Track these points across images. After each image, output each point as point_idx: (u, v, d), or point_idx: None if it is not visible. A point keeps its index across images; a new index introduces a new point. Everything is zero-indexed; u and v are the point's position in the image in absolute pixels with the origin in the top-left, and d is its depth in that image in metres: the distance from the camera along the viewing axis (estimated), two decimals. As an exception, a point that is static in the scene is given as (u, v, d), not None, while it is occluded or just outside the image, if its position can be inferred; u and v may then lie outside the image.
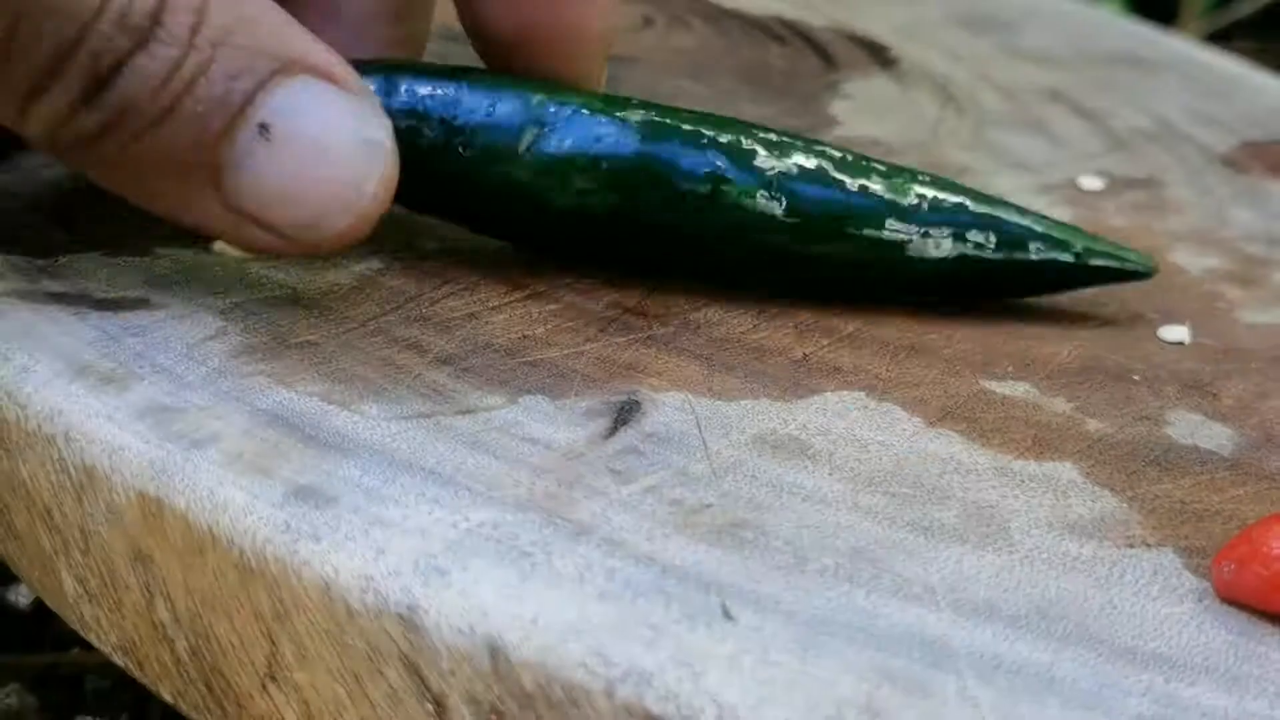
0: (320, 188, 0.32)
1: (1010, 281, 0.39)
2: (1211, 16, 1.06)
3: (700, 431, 0.32)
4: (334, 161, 0.32)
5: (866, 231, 0.37)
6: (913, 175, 0.37)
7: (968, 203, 0.38)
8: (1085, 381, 0.36)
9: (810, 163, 0.36)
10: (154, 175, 0.32)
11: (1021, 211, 0.38)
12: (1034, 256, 0.38)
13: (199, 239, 0.36)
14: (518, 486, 0.30)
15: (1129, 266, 0.39)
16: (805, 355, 0.36)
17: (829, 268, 0.37)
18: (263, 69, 0.31)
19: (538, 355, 0.34)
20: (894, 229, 0.37)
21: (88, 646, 0.38)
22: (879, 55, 0.58)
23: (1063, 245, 0.38)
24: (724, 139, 0.36)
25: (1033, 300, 0.40)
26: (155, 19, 0.30)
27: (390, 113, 0.33)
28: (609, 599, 0.27)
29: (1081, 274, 0.39)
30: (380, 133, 0.32)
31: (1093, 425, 0.35)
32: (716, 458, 0.32)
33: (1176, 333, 0.39)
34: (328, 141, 0.32)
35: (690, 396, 0.34)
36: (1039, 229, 0.38)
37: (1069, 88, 0.57)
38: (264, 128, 0.31)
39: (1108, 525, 0.31)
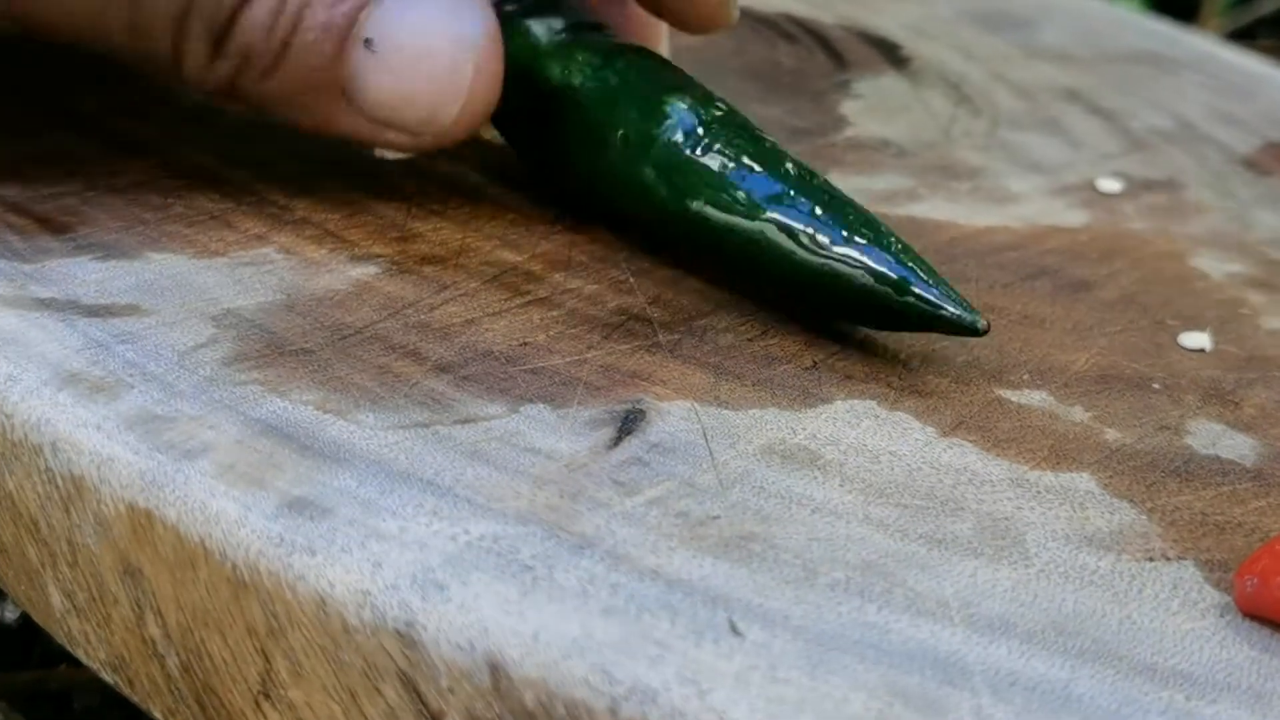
0: (426, 85, 0.37)
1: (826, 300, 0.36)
2: (1233, 14, 1.06)
3: (707, 441, 0.32)
4: (433, 60, 0.37)
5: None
6: (799, 167, 0.37)
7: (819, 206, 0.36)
8: (1103, 390, 0.36)
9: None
10: (293, 102, 0.37)
11: (874, 233, 0.36)
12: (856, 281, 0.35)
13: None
14: (519, 498, 0.30)
15: (953, 318, 0.35)
16: (815, 363, 0.36)
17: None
18: None
19: (539, 363, 0.34)
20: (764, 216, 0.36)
21: (76, 663, 0.38)
22: (890, 53, 0.58)
23: (888, 281, 0.35)
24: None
25: (1049, 307, 0.40)
26: None
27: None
28: (613, 614, 0.27)
29: (898, 317, 0.35)
30: (472, 27, 0.37)
31: (1111, 435, 0.35)
32: (723, 468, 0.32)
33: (1198, 340, 0.39)
34: (424, 43, 0.37)
35: (696, 405, 0.34)
36: (868, 258, 0.35)
37: (1086, 87, 0.57)
38: (369, 42, 0.36)
39: (1127, 538, 0.31)
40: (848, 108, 0.52)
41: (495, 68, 0.38)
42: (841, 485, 0.32)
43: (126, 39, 0.36)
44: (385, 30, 0.36)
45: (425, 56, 0.37)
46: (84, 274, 0.35)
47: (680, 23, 0.42)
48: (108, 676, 0.32)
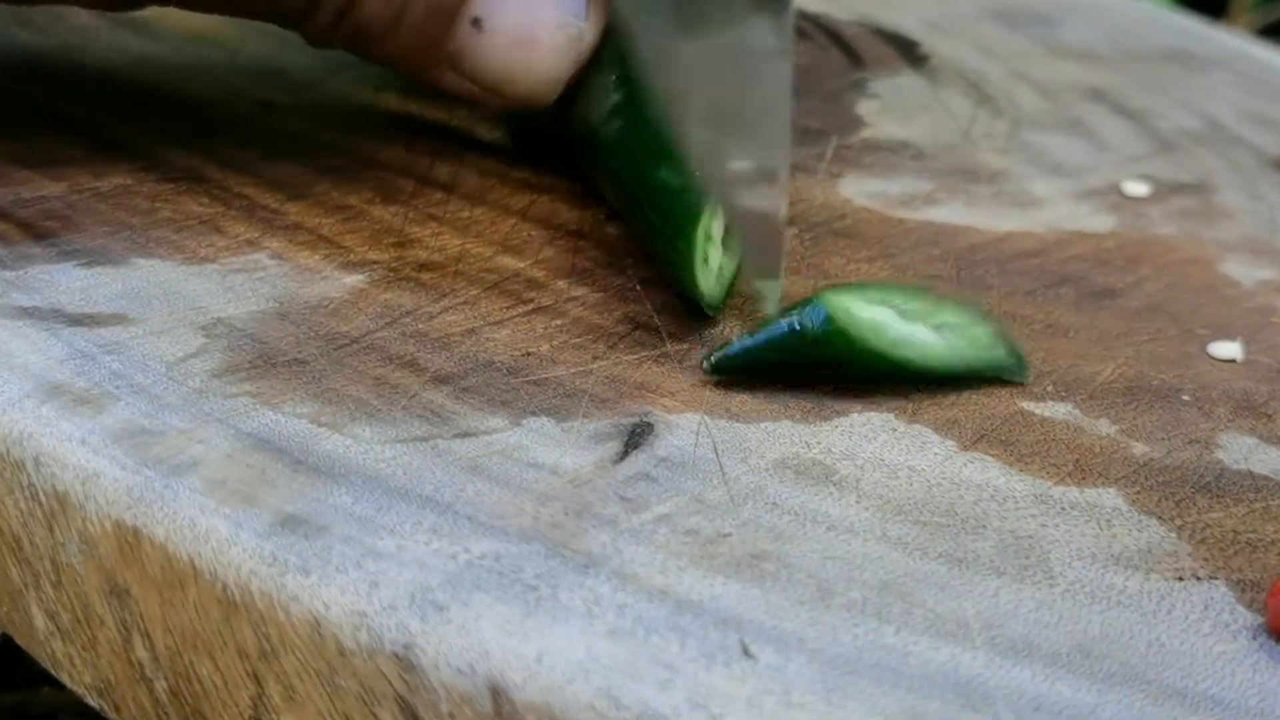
0: (528, 66, 0.40)
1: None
2: (1264, 10, 1.06)
3: (717, 456, 0.32)
4: (536, 44, 0.40)
5: None
6: None
7: None
8: (1131, 402, 0.36)
9: None
10: (401, 64, 0.41)
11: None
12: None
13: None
14: (521, 515, 0.30)
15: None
16: (830, 374, 0.36)
17: None
18: None
19: (543, 374, 0.34)
20: None
21: (60, 685, 0.38)
22: (908, 51, 0.58)
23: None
24: None
25: (1073, 315, 0.40)
26: None
27: None
28: (619, 636, 0.27)
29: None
30: (576, 14, 0.40)
31: (1139, 449, 0.35)
32: (735, 484, 0.32)
33: (1228, 349, 0.39)
34: (529, 27, 0.40)
35: (706, 418, 0.34)
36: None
37: (1112, 86, 0.57)
38: (477, 21, 0.40)
39: (1155, 556, 0.31)
40: (863, 108, 0.52)
41: (589, 55, 0.41)
42: (858, 501, 0.32)
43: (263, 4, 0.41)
44: (493, 10, 0.40)
45: (529, 40, 0.40)
46: (68, 281, 0.35)
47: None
48: (93, 701, 0.32)
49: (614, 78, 0.41)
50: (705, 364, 0.35)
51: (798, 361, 0.35)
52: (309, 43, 0.42)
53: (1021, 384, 0.36)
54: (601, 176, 0.41)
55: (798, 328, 0.34)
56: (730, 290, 0.38)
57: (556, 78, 0.41)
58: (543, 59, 0.41)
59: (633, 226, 0.40)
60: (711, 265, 0.37)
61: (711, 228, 0.37)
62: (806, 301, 0.35)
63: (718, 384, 0.35)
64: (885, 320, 0.35)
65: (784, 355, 0.34)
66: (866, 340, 0.34)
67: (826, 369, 0.35)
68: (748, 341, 0.35)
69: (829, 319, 0.34)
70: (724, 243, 0.38)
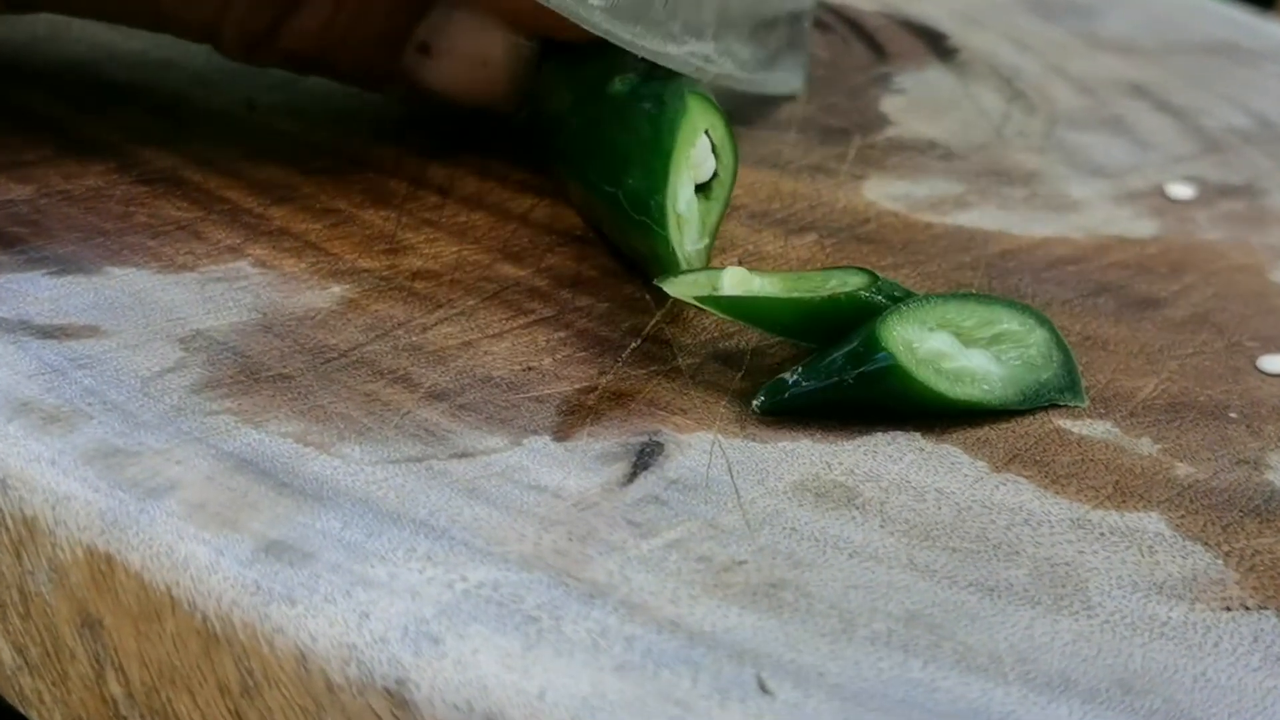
0: (477, 86, 0.43)
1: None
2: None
3: (732, 477, 0.32)
4: (486, 67, 0.42)
5: None
6: None
7: None
8: (1174, 420, 0.37)
9: None
10: (351, 83, 0.44)
11: None
12: None
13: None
14: (522, 541, 0.30)
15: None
16: (852, 390, 0.36)
17: None
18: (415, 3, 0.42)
19: (545, 390, 0.34)
20: None
21: (27, 724, 0.38)
22: (936, 44, 0.58)
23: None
24: None
25: (1113, 327, 0.40)
26: None
27: None
28: (628, 671, 0.27)
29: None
30: (517, 45, 0.42)
31: (1183, 470, 0.35)
32: (751, 508, 0.32)
33: (1279, 364, 0.39)
34: (479, 51, 0.42)
35: (720, 437, 0.34)
36: None
37: (1155, 81, 0.57)
38: (424, 47, 0.42)
39: (1200, 585, 0.31)
40: (889, 105, 0.53)
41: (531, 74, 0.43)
42: (882, 526, 0.32)
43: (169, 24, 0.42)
44: (440, 37, 0.42)
45: (481, 64, 0.42)
46: (36, 291, 0.36)
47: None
48: (63, 740, 0.33)
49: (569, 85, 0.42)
50: (756, 405, 0.35)
51: (855, 402, 0.35)
52: (237, 61, 0.43)
53: (1079, 404, 0.37)
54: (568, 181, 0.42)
55: (856, 369, 0.34)
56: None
57: (511, 92, 0.43)
58: (494, 80, 0.43)
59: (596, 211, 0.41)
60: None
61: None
62: (863, 332, 0.35)
63: (733, 402, 0.35)
64: (945, 349, 0.35)
65: (841, 395, 0.34)
66: (929, 383, 0.35)
67: (884, 408, 0.35)
68: (802, 384, 0.35)
69: (890, 360, 0.34)
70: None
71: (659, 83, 0.40)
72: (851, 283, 0.36)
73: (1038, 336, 0.36)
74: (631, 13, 0.40)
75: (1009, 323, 0.36)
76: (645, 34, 0.40)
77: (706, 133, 0.39)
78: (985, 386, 0.35)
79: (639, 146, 0.39)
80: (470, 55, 0.42)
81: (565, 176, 0.42)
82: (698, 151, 0.39)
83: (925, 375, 0.35)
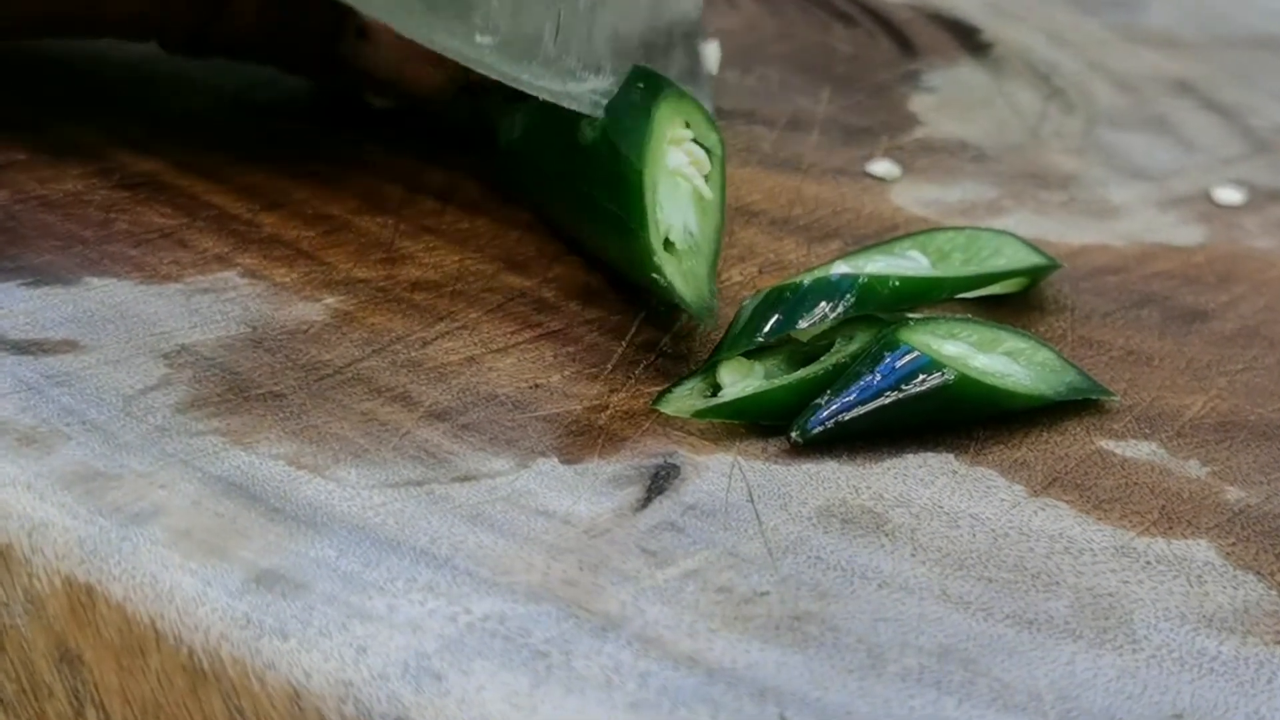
0: (410, 72, 0.45)
1: None
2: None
3: (753, 503, 0.32)
4: (420, 51, 0.43)
5: None
6: None
7: None
8: (1224, 440, 0.36)
9: None
10: (295, 71, 0.47)
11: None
12: None
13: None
14: (530, 571, 0.30)
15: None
16: (880, 408, 0.36)
17: None
18: None
19: (553, 408, 0.34)
20: None
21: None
22: (968, 39, 0.58)
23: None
24: None
25: (1158, 341, 0.40)
26: None
27: None
28: (642, 709, 0.27)
29: None
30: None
31: (1233, 494, 0.35)
32: (773, 535, 0.32)
33: (1336, 380, 0.39)
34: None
35: (740, 460, 0.34)
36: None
37: (1200, 77, 0.57)
38: (361, 30, 0.45)
39: (1253, 617, 0.31)
40: (917, 103, 0.53)
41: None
42: (913, 555, 0.32)
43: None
44: (378, 23, 0.43)
45: (414, 46, 0.41)
46: (11, 303, 0.36)
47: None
48: (40, 782, 0.33)
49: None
50: (795, 435, 0.34)
51: (900, 421, 0.35)
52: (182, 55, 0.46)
53: (1111, 398, 0.36)
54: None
55: (907, 383, 0.34)
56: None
57: (446, 79, 0.45)
58: (431, 63, 0.45)
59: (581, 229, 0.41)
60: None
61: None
62: (882, 343, 0.35)
63: (753, 420, 0.35)
64: (965, 354, 0.35)
65: (887, 415, 0.34)
66: (985, 380, 0.35)
67: (924, 425, 0.35)
68: (836, 404, 0.34)
69: (951, 373, 0.34)
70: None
71: (624, 114, 0.40)
72: (859, 339, 0.36)
73: (1045, 354, 0.37)
74: (523, 50, 0.40)
75: (1014, 341, 0.36)
76: (543, 74, 0.41)
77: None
78: (1024, 382, 0.35)
79: (620, 204, 0.38)
80: (405, 39, 0.43)
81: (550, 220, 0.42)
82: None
83: (982, 377, 0.35)
